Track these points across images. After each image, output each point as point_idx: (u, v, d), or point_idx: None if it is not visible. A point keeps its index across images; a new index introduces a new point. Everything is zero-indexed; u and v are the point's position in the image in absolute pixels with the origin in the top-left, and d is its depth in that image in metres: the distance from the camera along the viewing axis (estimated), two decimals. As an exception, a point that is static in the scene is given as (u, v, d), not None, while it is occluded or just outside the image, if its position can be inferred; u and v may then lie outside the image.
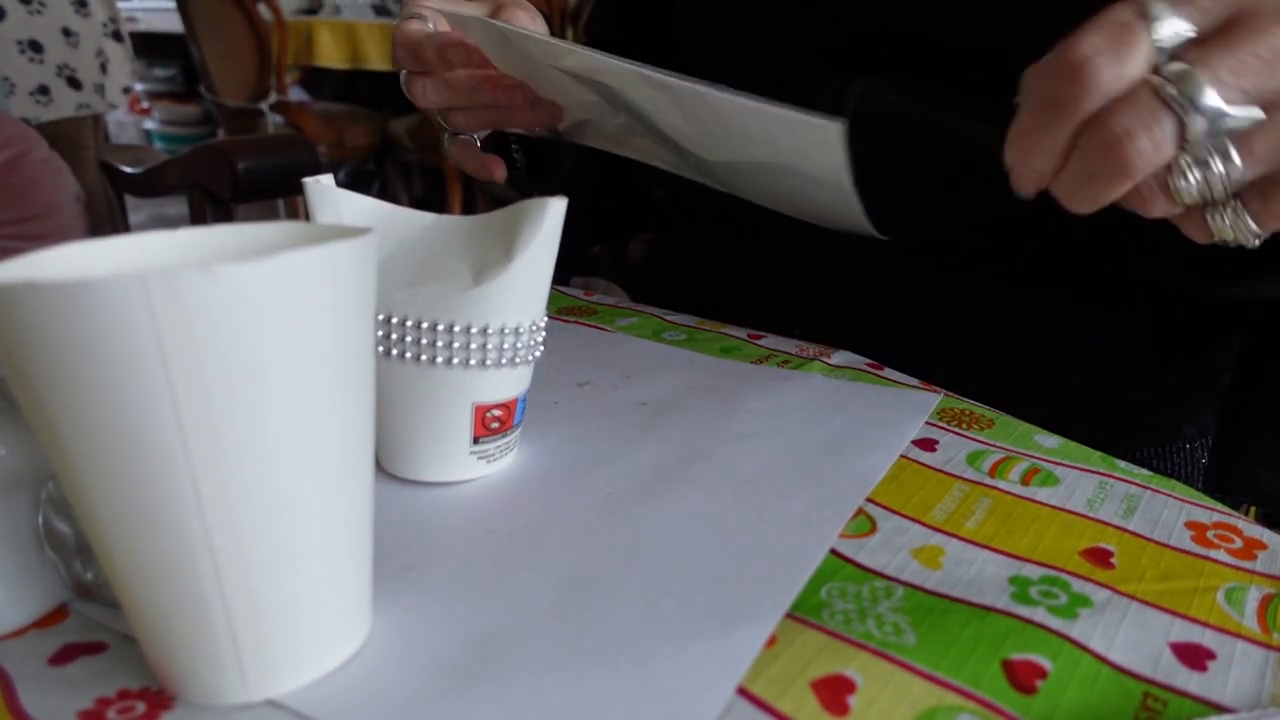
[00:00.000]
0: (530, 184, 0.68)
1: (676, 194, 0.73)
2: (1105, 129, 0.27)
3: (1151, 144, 0.27)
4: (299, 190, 0.36)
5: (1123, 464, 0.42)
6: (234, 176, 0.93)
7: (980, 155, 0.42)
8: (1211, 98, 0.26)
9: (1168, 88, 0.27)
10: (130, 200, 1.22)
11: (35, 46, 1.17)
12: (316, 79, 3.31)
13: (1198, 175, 0.28)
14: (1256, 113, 0.26)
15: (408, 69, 0.54)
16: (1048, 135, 0.29)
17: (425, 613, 0.29)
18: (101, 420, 0.21)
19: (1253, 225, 0.29)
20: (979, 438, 0.43)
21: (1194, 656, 0.28)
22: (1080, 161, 0.29)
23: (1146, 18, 0.27)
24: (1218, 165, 0.27)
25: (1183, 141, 0.27)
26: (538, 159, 0.66)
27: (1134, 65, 0.27)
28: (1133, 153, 0.27)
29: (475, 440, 0.37)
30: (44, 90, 1.19)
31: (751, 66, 0.61)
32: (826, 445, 0.41)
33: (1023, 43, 0.51)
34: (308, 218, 0.35)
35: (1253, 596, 0.32)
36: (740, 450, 0.41)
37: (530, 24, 0.54)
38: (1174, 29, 0.27)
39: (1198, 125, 0.26)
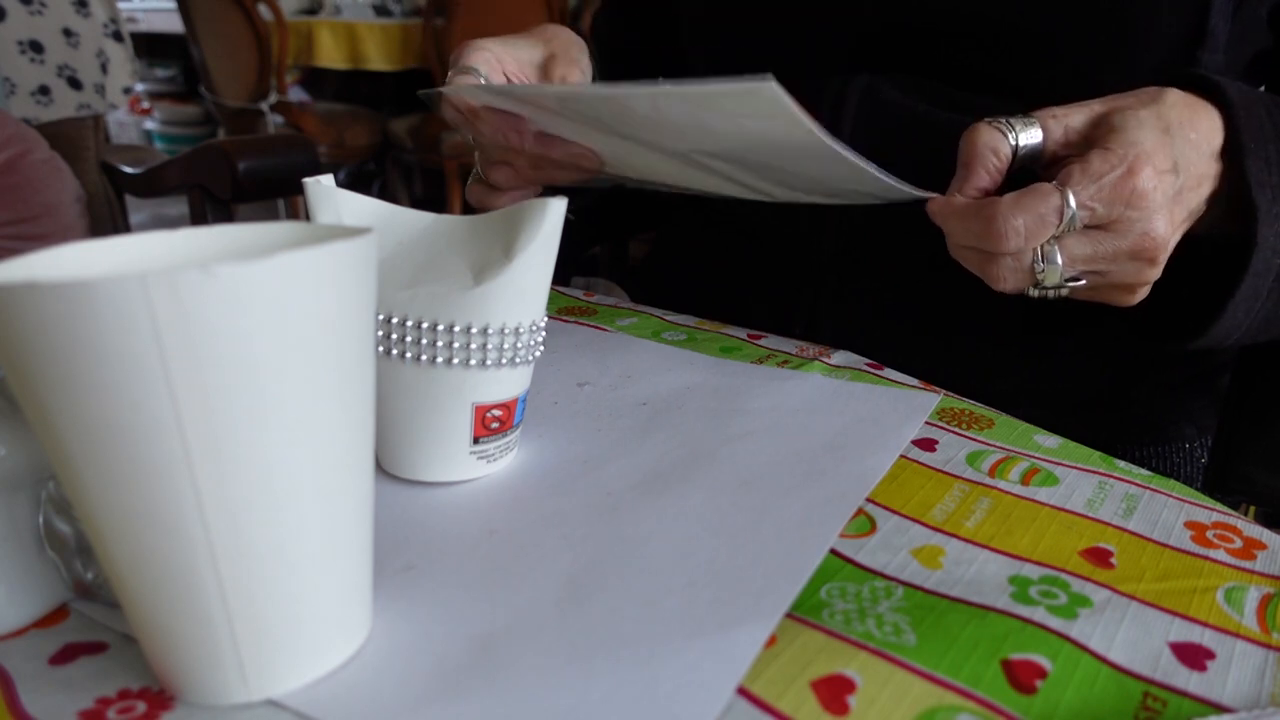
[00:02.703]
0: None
1: (681, 192, 0.73)
2: (992, 267, 0.41)
3: (1015, 284, 0.42)
4: (299, 190, 0.36)
5: (1122, 464, 0.42)
6: (234, 176, 0.93)
7: None
8: (1057, 263, 0.40)
9: (1040, 256, 0.40)
10: (130, 200, 1.22)
11: (36, 47, 1.17)
12: (317, 79, 3.31)
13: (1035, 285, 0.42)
14: (1081, 282, 0.41)
15: (455, 126, 0.53)
16: (960, 238, 0.42)
17: (425, 613, 0.29)
18: (101, 420, 0.21)
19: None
20: (979, 438, 0.43)
21: (1194, 656, 0.28)
22: (971, 259, 0.42)
23: (1062, 218, 0.39)
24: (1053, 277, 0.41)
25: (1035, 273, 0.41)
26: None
27: (1034, 243, 0.39)
28: (1001, 285, 0.42)
29: (475, 440, 0.37)
30: (44, 90, 1.19)
31: (756, 65, 0.60)
32: (826, 445, 0.41)
33: (1027, 36, 0.51)
34: (308, 218, 0.35)
35: (1252, 596, 0.32)
36: (740, 450, 0.41)
37: (582, 57, 0.54)
38: (1073, 225, 0.39)
39: (1042, 276, 0.41)
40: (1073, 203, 0.38)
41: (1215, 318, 0.44)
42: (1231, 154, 0.42)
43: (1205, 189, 0.42)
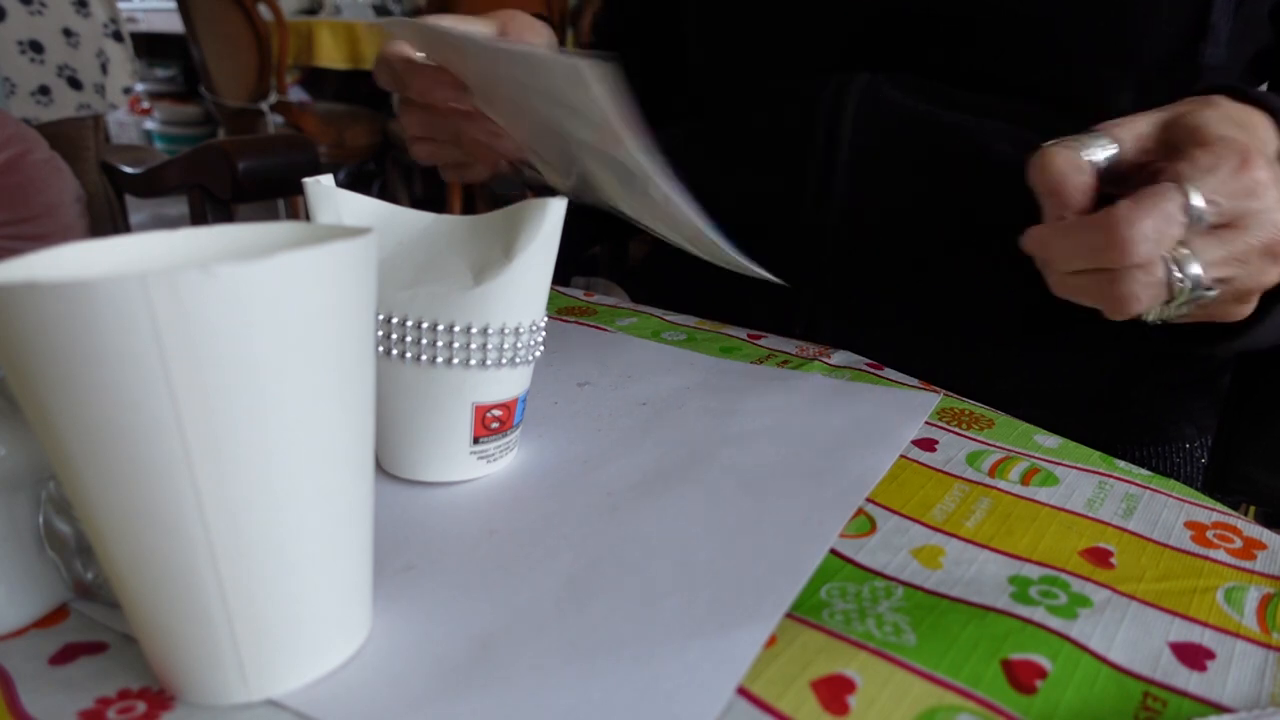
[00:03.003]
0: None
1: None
2: (1121, 286, 0.36)
3: (1148, 302, 0.37)
4: (299, 190, 0.36)
5: (1122, 464, 0.42)
6: (234, 176, 0.93)
7: (981, 151, 0.42)
8: (1195, 272, 0.36)
9: (1173, 264, 0.36)
10: (130, 200, 1.22)
11: (36, 47, 1.17)
12: (317, 79, 3.30)
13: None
14: (1213, 292, 0.37)
15: (385, 86, 0.54)
16: (1075, 261, 0.37)
17: (425, 613, 0.29)
18: (101, 420, 0.21)
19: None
20: (979, 438, 0.43)
21: (1194, 656, 0.28)
22: (1090, 286, 0.37)
23: (1189, 216, 0.35)
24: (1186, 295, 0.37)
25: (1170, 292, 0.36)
26: None
27: (1164, 248, 0.35)
28: (1132, 307, 0.37)
29: (475, 440, 0.37)
30: (44, 90, 1.19)
31: (758, 62, 0.60)
32: (826, 445, 0.41)
33: (1028, 30, 0.51)
34: (308, 218, 0.35)
35: (1252, 596, 0.32)
36: (740, 450, 0.41)
37: (536, 39, 0.54)
38: (1201, 222, 0.35)
39: (1182, 287, 0.36)
40: (1196, 199, 0.35)
41: (1259, 320, 0.42)
42: None
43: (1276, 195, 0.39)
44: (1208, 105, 0.39)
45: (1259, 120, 0.40)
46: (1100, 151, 0.38)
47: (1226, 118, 0.38)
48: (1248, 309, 0.40)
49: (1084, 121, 0.40)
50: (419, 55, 0.50)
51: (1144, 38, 0.48)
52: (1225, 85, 0.42)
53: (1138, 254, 0.35)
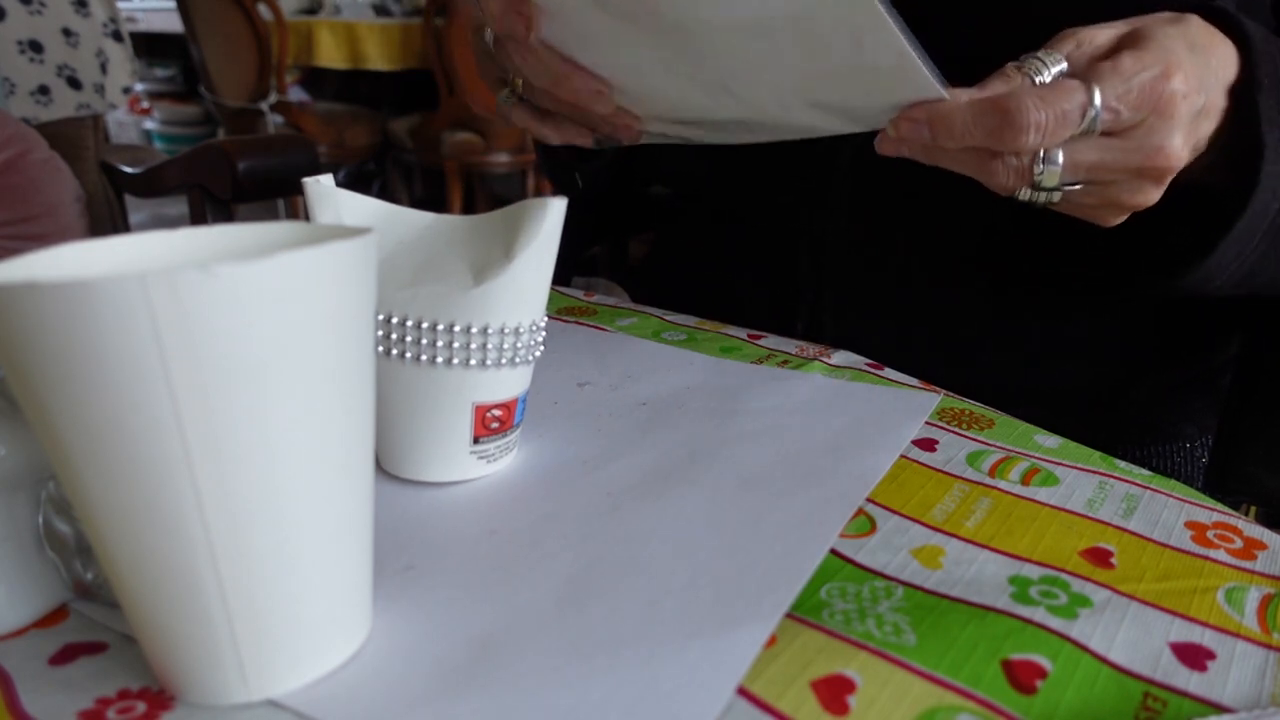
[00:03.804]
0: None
1: (683, 188, 0.73)
2: (994, 163, 0.39)
3: (1013, 183, 0.39)
4: (299, 190, 0.36)
5: (1122, 464, 0.42)
6: (234, 176, 0.92)
7: None
8: (1055, 168, 0.38)
9: (1042, 155, 0.38)
10: (130, 200, 1.22)
11: (35, 46, 1.17)
12: (317, 79, 3.31)
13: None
14: (1076, 188, 0.39)
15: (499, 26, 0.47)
16: (968, 138, 0.37)
17: (425, 613, 0.29)
18: (101, 420, 0.21)
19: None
20: (979, 438, 0.43)
21: (1194, 656, 0.28)
22: (969, 159, 0.39)
23: (1085, 119, 0.36)
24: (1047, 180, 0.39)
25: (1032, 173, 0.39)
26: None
27: (1052, 144, 0.37)
28: (997, 183, 0.39)
29: (475, 440, 0.37)
30: (44, 90, 1.19)
31: None
32: (826, 445, 0.41)
33: (1036, 18, 0.51)
34: (308, 218, 0.35)
35: (1253, 596, 0.32)
36: (740, 450, 0.41)
37: None
38: (1093, 126, 0.36)
39: (1039, 178, 0.38)
40: (1098, 101, 0.36)
41: (1207, 253, 0.42)
42: (1244, 89, 0.40)
43: (1213, 121, 0.40)
44: (1173, 21, 0.39)
45: (1222, 48, 0.40)
46: (1049, 71, 0.38)
47: (1182, 35, 0.38)
48: (1117, 220, 0.41)
49: None
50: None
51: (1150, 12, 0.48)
52: (1204, 5, 0.41)
53: (1026, 141, 0.36)
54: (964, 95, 0.37)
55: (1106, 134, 0.37)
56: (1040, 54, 0.39)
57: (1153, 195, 0.39)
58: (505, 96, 0.51)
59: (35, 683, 0.26)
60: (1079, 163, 0.38)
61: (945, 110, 0.37)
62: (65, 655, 0.28)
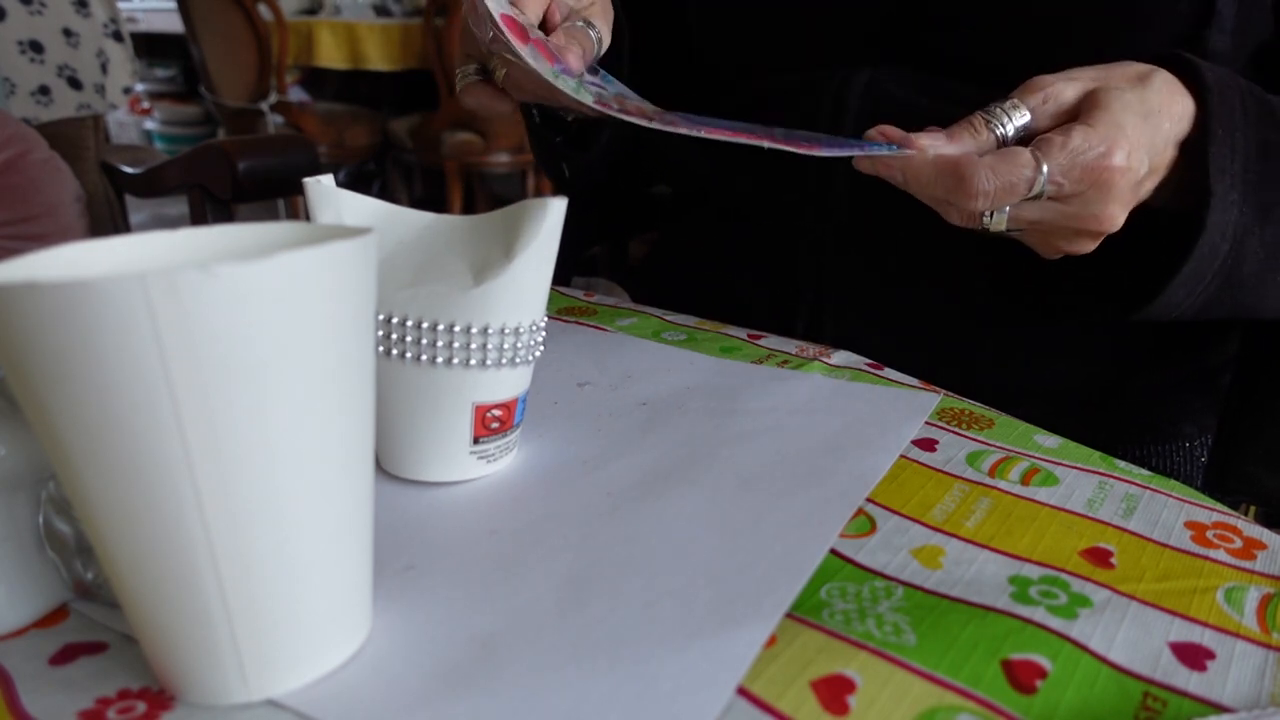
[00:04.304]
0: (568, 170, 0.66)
1: (684, 186, 0.73)
2: (948, 210, 0.44)
3: (964, 224, 0.44)
4: (299, 190, 0.36)
5: (1122, 464, 0.42)
6: (234, 176, 0.93)
7: None
8: (1000, 219, 0.43)
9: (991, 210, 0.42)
10: (130, 200, 1.22)
11: (36, 47, 1.17)
12: (317, 79, 3.31)
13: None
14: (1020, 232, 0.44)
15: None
16: (928, 190, 0.43)
17: (425, 613, 0.29)
18: (101, 420, 0.21)
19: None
20: (979, 438, 0.43)
21: (1194, 656, 0.28)
22: (929, 200, 0.44)
23: (1031, 189, 0.40)
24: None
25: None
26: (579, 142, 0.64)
27: (1001, 205, 0.42)
28: (952, 221, 0.44)
29: (475, 440, 0.37)
30: (44, 90, 1.18)
31: (765, 57, 0.60)
32: (826, 445, 0.41)
33: (1038, 18, 0.51)
34: (308, 218, 0.35)
35: (1252, 596, 0.32)
36: (740, 450, 0.41)
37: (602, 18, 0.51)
38: (1039, 194, 0.41)
39: (986, 224, 0.43)
40: (1044, 176, 0.40)
41: (1156, 295, 0.45)
42: (1196, 141, 0.43)
43: (1158, 177, 0.43)
44: (1139, 82, 0.42)
45: (1179, 103, 0.42)
46: (1012, 125, 0.42)
47: (1138, 102, 0.41)
48: (1057, 256, 0.45)
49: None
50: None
51: (1150, 24, 0.48)
52: (1174, 55, 0.44)
53: (975, 205, 0.41)
54: (932, 150, 0.42)
55: (1050, 199, 0.41)
56: (1006, 105, 0.43)
57: (1088, 246, 0.44)
58: (470, 74, 0.52)
59: (35, 683, 0.26)
60: (1022, 217, 0.42)
61: (916, 163, 0.42)
62: (65, 655, 0.28)
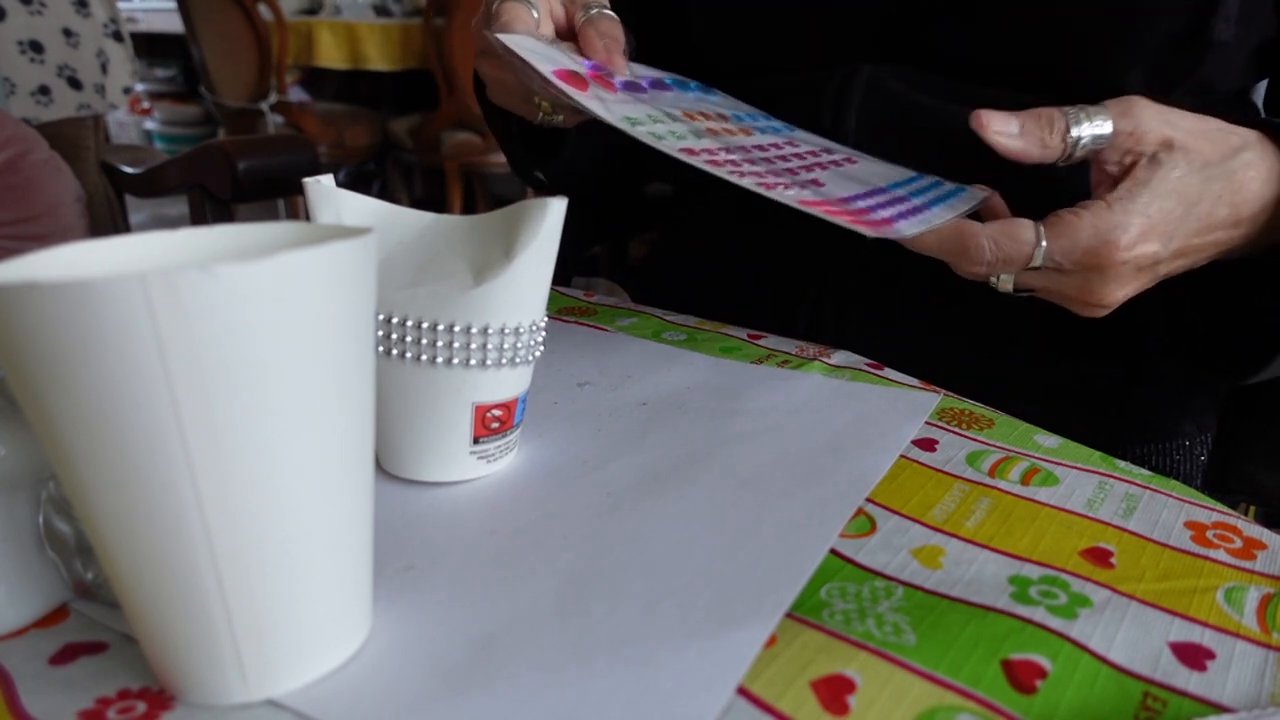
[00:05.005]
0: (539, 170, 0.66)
1: (684, 187, 0.73)
2: (956, 270, 0.44)
3: (975, 277, 0.44)
4: (299, 190, 0.36)
5: (1122, 464, 0.42)
6: (234, 176, 0.93)
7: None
8: (1009, 284, 0.44)
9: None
10: (130, 200, 1.22)
11: (36, 47, 1.17)
12: (317, 79, 3.31)
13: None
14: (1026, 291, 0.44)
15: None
16: (935, 251, 0.43)
17: (425, 613, 0.29)
18: (101, 420, 0.21)
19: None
20: (979, 438, 0.43)
21: (1194, 656, 0.28)
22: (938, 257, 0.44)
23: (1029, 264, 0.41)
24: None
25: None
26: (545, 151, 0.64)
27: (999, 273, 0.43)
28: (961, 274, 0.44)
29: (475, 440, 0.37)
30: (44, 90, 1.18)
31: (768, 54, 0.60)
32: (826, 445, 0.41)
33: (1041, 12, 0.51)
34: (308, 218, 0.35)
35: (1252, 596, 0.32)
36: (740, 450, 0.41)
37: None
38: (1039, 267, 0.41)
39: (994, 284, 0.44)
40: (1042, 255, 0.40)
41: (1273, 356, 0.44)
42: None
43: (1204, 255, 0.43)
44: (1221, 158, 0.40)
45: (1252, 182, 0.41)
46: (1090, 129, 0.40)
47: (1187, 188, 0.40)
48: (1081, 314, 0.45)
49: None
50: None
51: (1155, 14, 0.48)
52: (1269, 121, 0.43)
53: (973, 271, 0.42)
54: (999, 137, 0.41)
55: (1052, 270, 0.42)
56: (1094, 116, 0.40)
57: (1098, 313, 0.43)
58: (549, 116, 0.52)
59: (35, 683, 0.26)
60: (1026, 283, 0.43)
61: (922, 237, 0.43)
62: (65, 655, 0.28)
